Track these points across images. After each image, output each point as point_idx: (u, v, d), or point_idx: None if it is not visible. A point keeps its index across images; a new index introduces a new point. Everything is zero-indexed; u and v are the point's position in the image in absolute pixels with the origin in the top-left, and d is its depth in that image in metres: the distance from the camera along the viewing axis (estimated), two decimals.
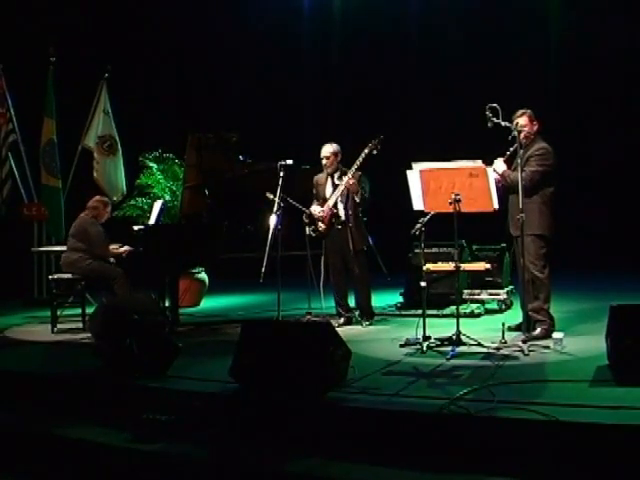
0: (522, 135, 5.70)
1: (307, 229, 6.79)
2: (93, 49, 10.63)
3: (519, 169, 5.56)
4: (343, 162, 6.86)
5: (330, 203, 6.76)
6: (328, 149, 6.82)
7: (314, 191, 6.96)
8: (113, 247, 7.20)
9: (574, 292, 7.98)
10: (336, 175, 6.79)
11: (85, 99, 9.79)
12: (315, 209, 6.83)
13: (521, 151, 5.68)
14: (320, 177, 6.94)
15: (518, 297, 6.35)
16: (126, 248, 7.12)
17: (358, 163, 6.57)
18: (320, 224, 6.77)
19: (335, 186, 6.77)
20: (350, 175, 6.56)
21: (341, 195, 6.71)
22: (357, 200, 6.62)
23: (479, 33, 11.18)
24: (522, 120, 5.76)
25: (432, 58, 11.57)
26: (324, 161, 6.82)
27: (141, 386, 4.81)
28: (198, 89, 11.89)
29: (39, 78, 9.74)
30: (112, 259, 7.18)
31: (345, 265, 6.84)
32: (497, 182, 5.55)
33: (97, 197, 7.50)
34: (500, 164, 5.77)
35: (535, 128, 5.83)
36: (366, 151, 6.55)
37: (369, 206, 6.78)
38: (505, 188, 5.76)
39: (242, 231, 6.89)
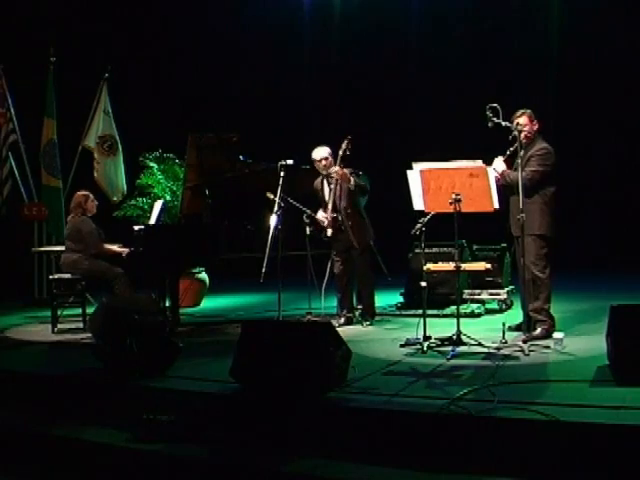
0: (522, 135, 5.69)
1: (307, 229, 6.78)
2: (93, 49, 10.63)
3: (519, 169, 5.56)
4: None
5: (330, 206, 6.73)
6: (326, 150, 6.80)
7: (317, 196, 6.96)
8: (112, 247, 7.21)
9: (574, 292, 7.97)
10: (330, 177, 6.77)
11: (85, 99, 9.80)
12: (321, 215, 6.81)
13: (522, 151, 5.68)
14: (317, 182, 6.96)
15: (518, 297, 6.35)
16: (123, 250, 7.13)
17: (337, 165, 6.61)
18: (328, 230, 6.75)
19: (330, 188, 6.77)
20: (337, 168, 6.56)
21: (334, 195, 6.70)
22: (351, 188, 6.59)
23: (479, 33, 11.18)
24: (522, 120, 5.75)
25: (432, 58, 11.57)
26: (323, 162, 6.78)
27: (141, 386, 4.81)
28: (198, 89, 11.89)
29: (39, 78, 9.75)
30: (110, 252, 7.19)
31: (350, 264, 6.83)
32: (496, 181, 5.54)
33: (77, 194, 7.46)
34: (500, 163, 5.77)
35: (535, 128, 5.83)
36: (340, 155, 6.60)
37: (366, 193, 6.75)
38: (504, 187, 5.75)
39: (242, 231, 6.89)
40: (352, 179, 6.56)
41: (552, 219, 5.75)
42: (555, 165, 5.77)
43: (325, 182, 6.85)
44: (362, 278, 6.88)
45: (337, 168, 6.58)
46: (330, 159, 6.78)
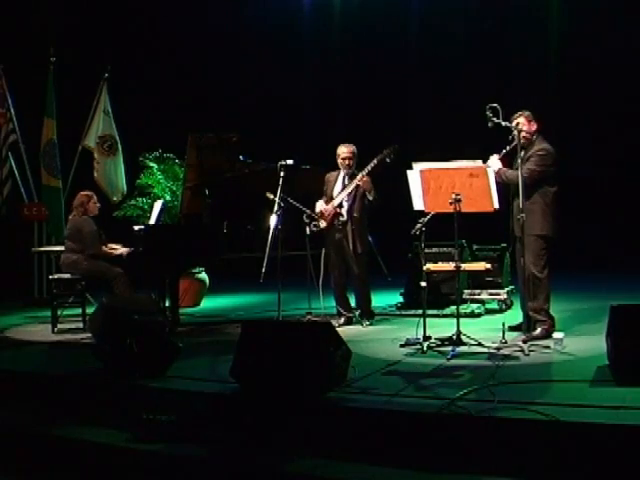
0: (521, 135, 5.69)
1: (307, 229, 6.78)
2: (93, 49, 10.63)
3: (519, 169, 5.55)
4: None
5: (335, 202, 6.74)
6: (350, 149, 6.76)
7: (325, 188, 6.95)
8: (112, 247, 7.21)
9: (574, 292, 7.97)
10: (347, 176, 6.77)
11: (85, 99, 9.79)
12: (320, 205, 6.83)
13: (522, 152, 5.67)
14: (332, 174, 6.92)
15: (518, 297, 6.35)
16: (124, 250, 7.12)
17: (369, 168, 6.53)
18: (321, 221, 6.77)
19: (344, 186, 6.77)
20: (364, 173, 6.53)
21: (347, 195, 6.70)
22: (370, 198, 6.58)
23: (479, 33, 11.18)
24: (520, 121, 5.75)
25: (432, 58, 11.57)
26: (346, 161, 6.74)
27: (141, 386, 4.81)
28: (198, 89, 11.89)
29: (39, 78, 9.74)
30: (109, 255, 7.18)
31: (345, 264, 6.84)
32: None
33: (80, 194, 7.46)
34: (495, 161, 5.77)
35: (534, 129, 5.82)
36: (379, 158, 6.53)
37: (379, 209, 6.75)
38: (504, 186, 5.75)
39: (242, 231, 6.89)
40: (373, 192, 6.56)
41: (554, 219, 5.75)
42: (555, 165, 5.76)
43: (340, 178, 6.84)
44: (358, 281, 6.87)
45: (366, 177, 6.52)
46: (353, 158, 6.75)
